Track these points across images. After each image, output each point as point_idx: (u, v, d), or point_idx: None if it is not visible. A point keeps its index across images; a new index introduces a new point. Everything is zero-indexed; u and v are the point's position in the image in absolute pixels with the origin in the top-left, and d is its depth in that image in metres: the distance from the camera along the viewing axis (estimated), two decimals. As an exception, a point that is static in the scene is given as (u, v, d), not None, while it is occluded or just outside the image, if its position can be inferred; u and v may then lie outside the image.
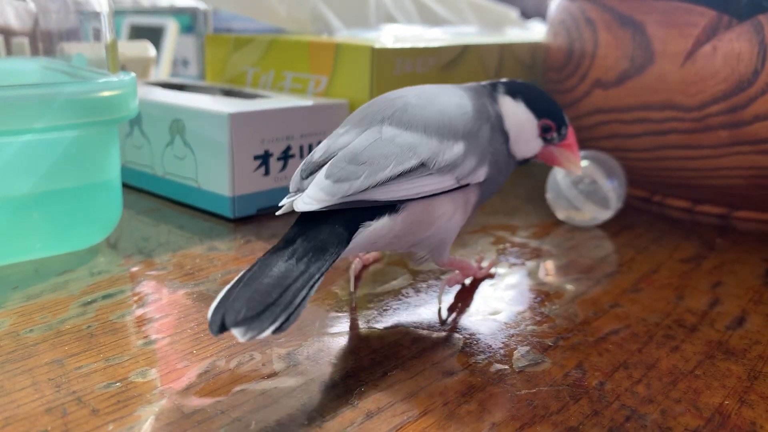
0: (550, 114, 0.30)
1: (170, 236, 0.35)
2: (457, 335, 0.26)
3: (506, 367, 0.24)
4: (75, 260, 0.31)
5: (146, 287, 0.29)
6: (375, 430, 0.20)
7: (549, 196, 0.39)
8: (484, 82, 0.31)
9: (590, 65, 0.41)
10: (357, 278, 0.31)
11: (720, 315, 0.28)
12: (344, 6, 0.53)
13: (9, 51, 0.38)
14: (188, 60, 0.73)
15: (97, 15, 0.33)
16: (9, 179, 0.29)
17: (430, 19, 0.60)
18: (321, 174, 0.24)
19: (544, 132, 0.30)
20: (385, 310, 0.28)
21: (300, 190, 0.25)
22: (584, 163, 0.37)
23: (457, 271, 0.30)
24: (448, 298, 0.29)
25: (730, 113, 0.36)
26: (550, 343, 0.25)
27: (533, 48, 0.51)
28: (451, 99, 0.28)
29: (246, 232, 0.36)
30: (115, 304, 0.27)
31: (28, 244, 0.31)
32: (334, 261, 0.23)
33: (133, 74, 0.32)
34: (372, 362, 0.24)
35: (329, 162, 0.25)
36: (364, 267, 0.32)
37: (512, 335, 0.26)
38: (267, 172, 0.38)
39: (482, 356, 0.24)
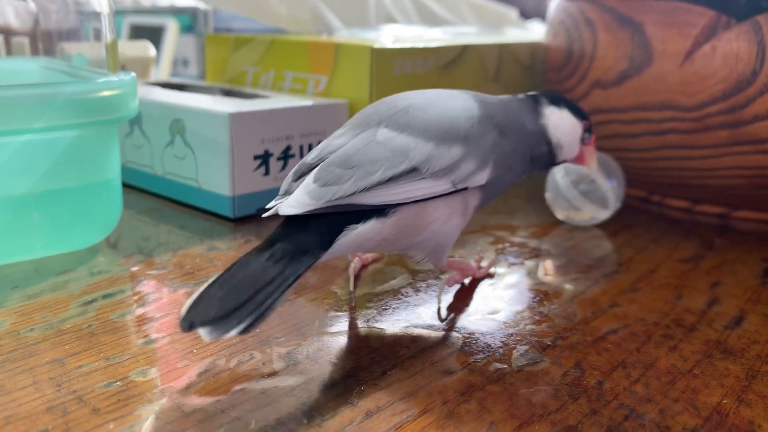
0: (584, 116, 0.32)
1: (170, 236, 0.35)
2: (456, 334, 0.26)
3: (505, 366, 0.24)
4: (75, 260, 0.32)
5: (146, 287, 0.29)
6: (374, 429, 0.20)
7: (548, 196, 0.39)
8: (520, 95, 0.31)
9: (589, 65, 0.41)
10: (356, 278, 0.31)
11: (718, 315, 0.28)
12: (344, 6, 0.53)
13: (9, 51, 0.38)
14: (188, 60, 0.73)
15: (97, 15, 0.33)
16: (9, 179, 0.29)
17: (429, 19, 0.60)
18: (309, 177, 0.24)
19: (585, 132, 0.32)
20: (384, 309, 0.28)
21: (288, 192, 0.25)
22: (577, 165, 0.37)
23: (456, 272, 0.30)
24: (448, 298, 0.29)
25: (729, 113, 0.36)
26: (548, 343, 0.25)
27: (533, 48, 0.51)
28: (456, 103, 0.28)
29: (246, 232, 0.36)
30: (116, 303, 0.27)
31: (28, 243, 0.31)
32: (311, 264, 0.23)
33: (133, 74, 0.32)
34: (371, 361, 0.24)
35: (319, 165, 0.25)
36: (363, 266, 0.32)
37: (511, 334, 0.26)
38: (267, 172, 0.38)
39: (481, 355, 0.24)
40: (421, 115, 0.26)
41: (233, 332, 0.20)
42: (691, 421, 0.21)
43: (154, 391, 0.21)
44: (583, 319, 0.27)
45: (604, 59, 0.40)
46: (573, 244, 0.36)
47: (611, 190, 0.37)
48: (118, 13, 0.73)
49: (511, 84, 0.50)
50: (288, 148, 0.39)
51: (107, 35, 0.32)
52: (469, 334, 0.26)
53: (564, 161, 0.32)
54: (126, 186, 0.42)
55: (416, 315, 0.27)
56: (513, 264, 0.33)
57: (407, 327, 0.26)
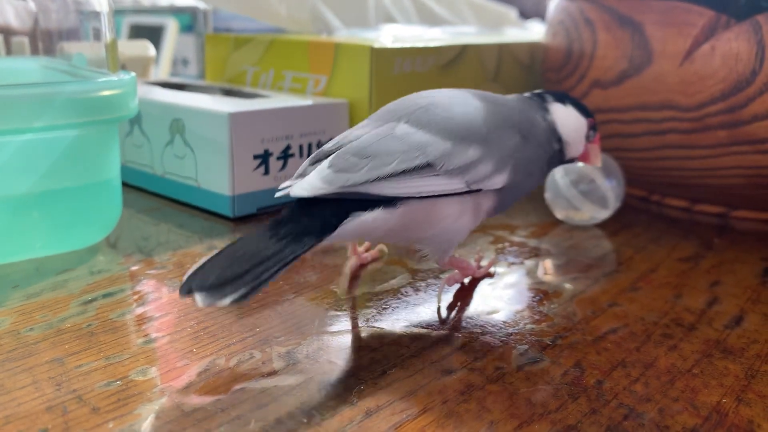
0: (589, 113, 0.32)
1: (170, 235, 0.35)
2: (456, 334, 0.26)
3: (505, 365, 0.24)
4: (75, 259, 0.32)
5: (146, 286, 0.29)
6: (374, 429, 0.20)
7: (548, 195, 0.39)
8: (527, 94, 0.31)
9: (589, 65, 0.41)
10: (354, 277, 0.31)
11: (718, 314, 0.28)
12: (344, 6, 0.53)
13: (9, 50, 0.38)
14: (188, 59, 0.73)
15: (97, 14, 0.33)
16: (9, 178, 0.29)
17: (429, 18, 0.60)
18: (325, 163, 0.25)
19: (590, 130, 0.32)
20: (384, 308, 0.28)
21: (303, 175, 0.25)
22: (582, 162, 0.37)
23: (456, 270, 0.30)
24: (448, 297, 0.29)
25: (728, 113, 0.36)
26: (548, 342, 0.25)
27: (532, 48, 0.51)
28: (479, 103, 0.28)
29: (246, 231, 0.36)
30: (115, 302, 0.27)
31: (28, 243, 0.31)
32: (313, 245, 0.23)
33: (133, 73, 0.32)
34: (371, 361, 0.24)
35: (336, 152, 0.25)
36: (362, 266, 0.32)
37: (511, 334, 0.26)
38: (267, 172, 0.38)
39: (481, 355, 0.24)
40: (441, 113, 0.27)
41: (226, 300, 0.21)
42: (691, 420, 0.21)
43: (153, 391, 0.21)
44: (582, 318, 0.27)
45: (604, 59, 0.40)
46: (572, 243, 0.36)
47: (611, 190, 0.37)
48: (117, 12, 0.73)
49: (511, 84, 0.50)
50: (288, 147, 0.39)
51: (107, 35, 0.32)
52: (469, 333, 0.26)
53: (571, 160, 0.32)
54: (126, 185, 0.42)
55: (416, 314, 0.27)
56: (513, 263, 0.33)
57: (407, 326, 0.26)
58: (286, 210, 0.24)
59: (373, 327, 0.26)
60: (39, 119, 0.29)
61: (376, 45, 0.41)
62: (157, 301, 0.28)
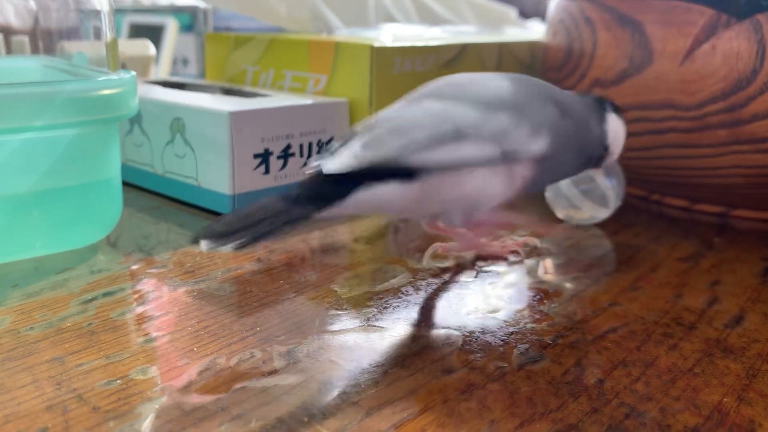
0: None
1: (170, 234, 0.35)
2: (456, 333, 0.26)
3: (505, 364, 0.24)
4: (75, 258, 0.32)
5: (146, 285, 0.29)
6: (375, 427, 0.20)
7: (548, 194, 0.39)
8: (586, 96, 0.32)
9: (589, 64, 0.41)
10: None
11: (718, 313, 0.28)
12: (344, 5, 0.53)
13: (9, 49, 0.38)
14: (188, 59, 0.73)
15: (97, 13, 0.33)
16: (9, 177, 0.29)
17: (429, 18, 0.60)
18: (355, 139, 0.25)
19: None
20: (384, 308, 0.28)
21: (332, 152, 0.26)
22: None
23: (457, 243, 0.30)
24: (448, 296, 0.29)
25: (728, 112, 0.36)
26: (549, 341, 0.25)
27: (532, 47, 0.51)
28: (511, 80, 0.28)
29: (246, 231, 0.36)
30: (116, 301, 0.27)
31: (28, 242, 0.31)
32: (322, 208, 0.24)
33: (133, 73, 0.32)
34: (372, 360, 0.24)
35: (365, 130, 0.26)
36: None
37: (511, 333, 0.26)
38: (267, 171, 0.38)
39: (481, 354, 0.24)
40: (470, 87, 0.27)
41: (228, 246, 0.22)
42: (692, 419, 0.21)
43: (154, 390, 0.21)
44: (583, 317, 0.27)
45: (604, 58, 0.40)
46: (573, 243, 0.36)
47: (611, 189, 0.37)
48: (118, 11, 0.73)
49: (511, 83, 0.50)
50: (288, 146, 0.39)
51: (107, 34, 0.32)
52: (470, 332, 0.26)
53: (600, 167, 0.32)
54: (126, 184, 0.42)
55: (417, 313, 0.27)
56: (513, 263, 0.33)
57: (408, 325, 0.26)
58: (307, 180, 0.25)
59: (374, 326, 0.26)
60: (39, 118, 0.29)
61: (377, 44, 0.41)
62: (158, 300, 0.28)
